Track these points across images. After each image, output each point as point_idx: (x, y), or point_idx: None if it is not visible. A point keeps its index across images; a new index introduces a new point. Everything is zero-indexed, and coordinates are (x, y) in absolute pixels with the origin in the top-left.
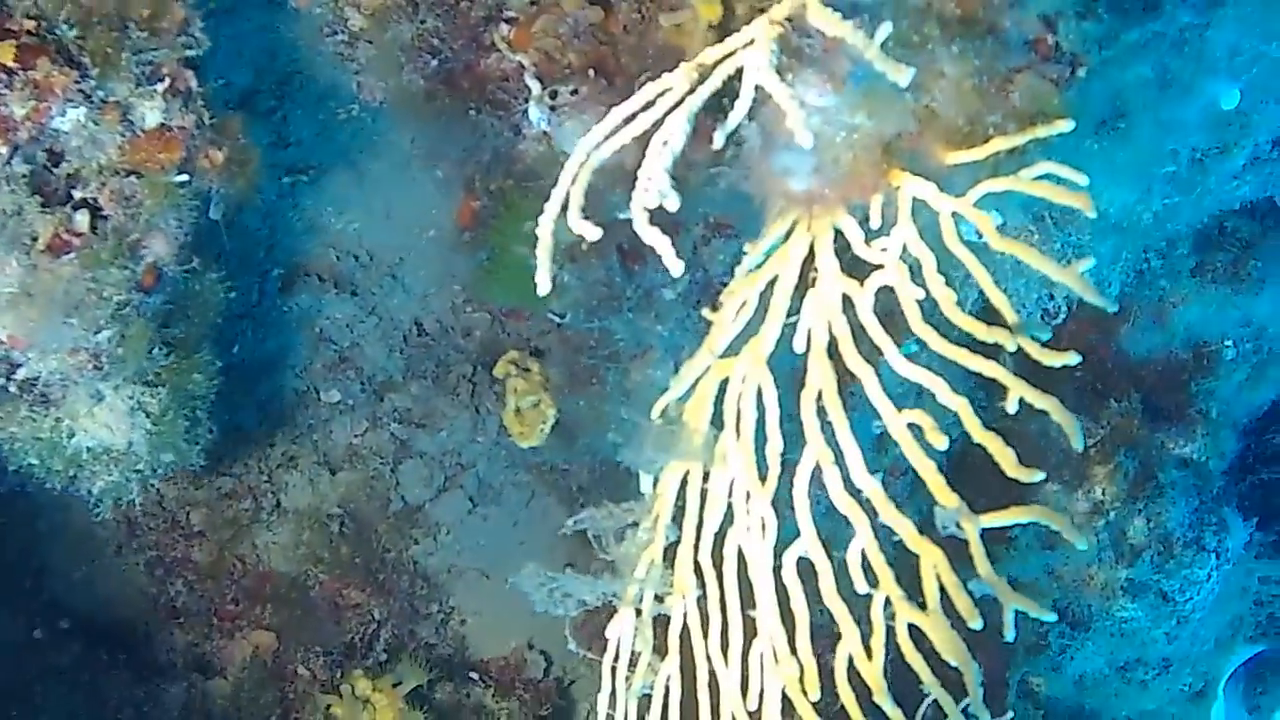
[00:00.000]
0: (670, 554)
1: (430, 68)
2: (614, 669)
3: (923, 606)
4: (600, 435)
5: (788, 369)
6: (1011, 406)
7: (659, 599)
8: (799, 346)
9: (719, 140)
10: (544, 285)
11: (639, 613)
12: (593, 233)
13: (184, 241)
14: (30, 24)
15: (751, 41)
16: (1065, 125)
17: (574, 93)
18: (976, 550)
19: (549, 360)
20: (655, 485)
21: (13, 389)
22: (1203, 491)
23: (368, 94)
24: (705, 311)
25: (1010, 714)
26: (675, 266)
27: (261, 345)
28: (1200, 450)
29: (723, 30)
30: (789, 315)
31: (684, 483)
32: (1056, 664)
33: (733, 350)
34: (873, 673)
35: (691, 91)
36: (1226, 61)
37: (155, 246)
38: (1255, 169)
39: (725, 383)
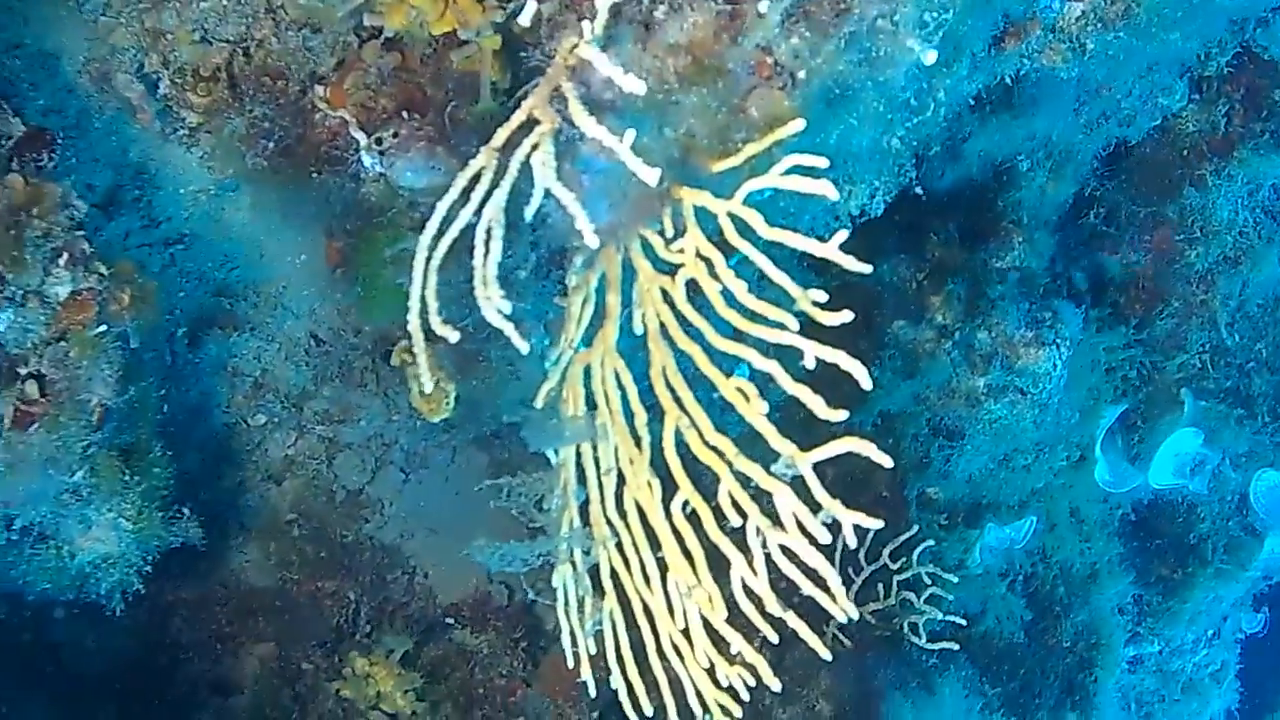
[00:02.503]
0: (584, 512)
1: (268, 149)
2: (566, 614)
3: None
4: (500, 401)
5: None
6: (810, 362)
7: (586, 552)
8: (638, 329)
9: (529, 215)
10: (429, 386)
11: (573, 565)
12: (454, 335)
13: (118, 376)
14: None
15: (534, 133)
16: (798, 125)
17: (395, 135)
18: (814, 483)
19: (437, 348)
20: (558, 456)
21: (14, 536)
22: (1031, 293)
23: (218, 174)
24: (557, 299)
25: (915, 527)
26: (523, 346)
27: (186, 396)
28: (1020, 257)
29: (507, 50)
30: (624, 305)
31: (579, 453)
32: (945, 472)
33: (587, 341)
34: (762, 587)
35: (495, 182)
36: (919, 30)
37: (97, 391)
38: (973, 75)
39: (588, 369)
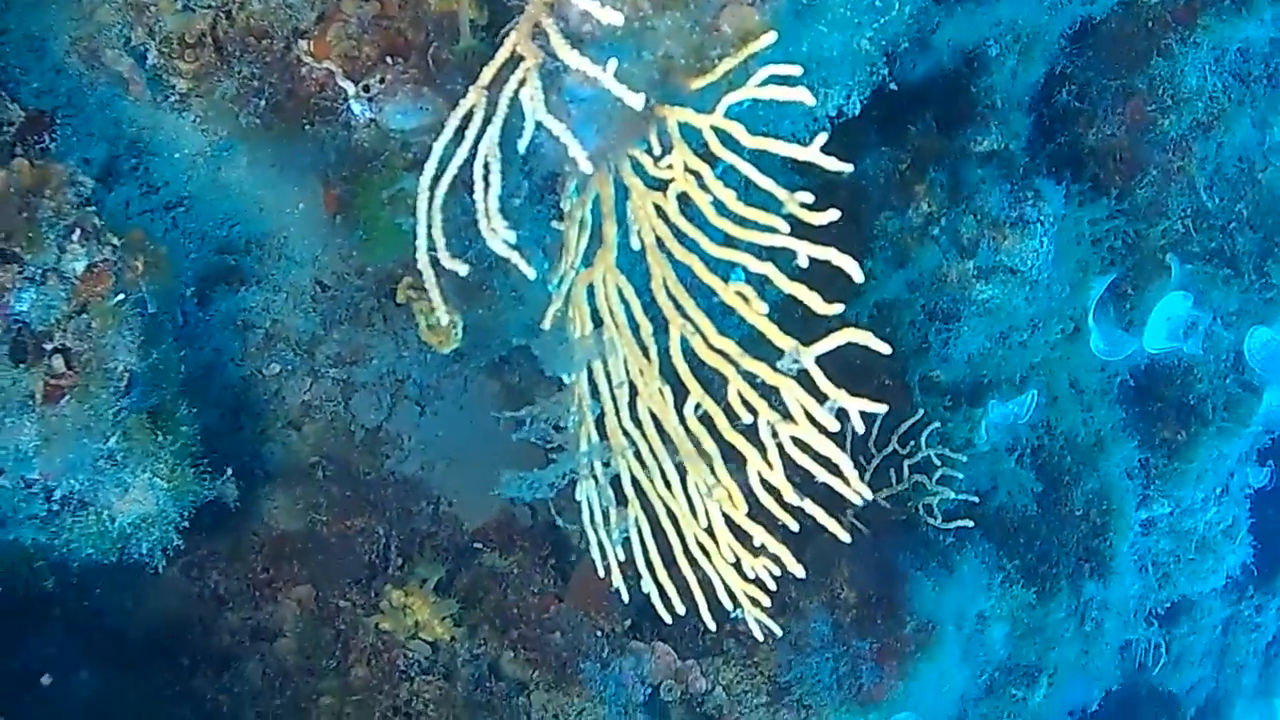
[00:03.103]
0: (601, 426)
1: (259, 107)
2: (593, 526)
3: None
4: (506, 326)
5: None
6: (803, 261)
7: (606, 464)
8: (636, 244)
9: (522, 147)
10: (444, 320)
11: (595, 478)
12: (463, 269)
13: (140, 342)
14: None
15: (520, 68)
16: (770, 38)
17: (381, 81)
18: (818, 375)
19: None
20: (570, 376)
21: (55, 507)
22: (1011, 174)
23: (212, 136)
24: (555, 224)
25: (920, 411)
26: (530, 273)
27: (200, 353)
28: (998, 140)
29: None
30: (619, 224)
31: (590, 370)
32: (944, 355)
33: (587, 261)
34: (779, 479)
35: (488, 119)
36: None
37: (122, 358)
38: None
39: (591, 288)
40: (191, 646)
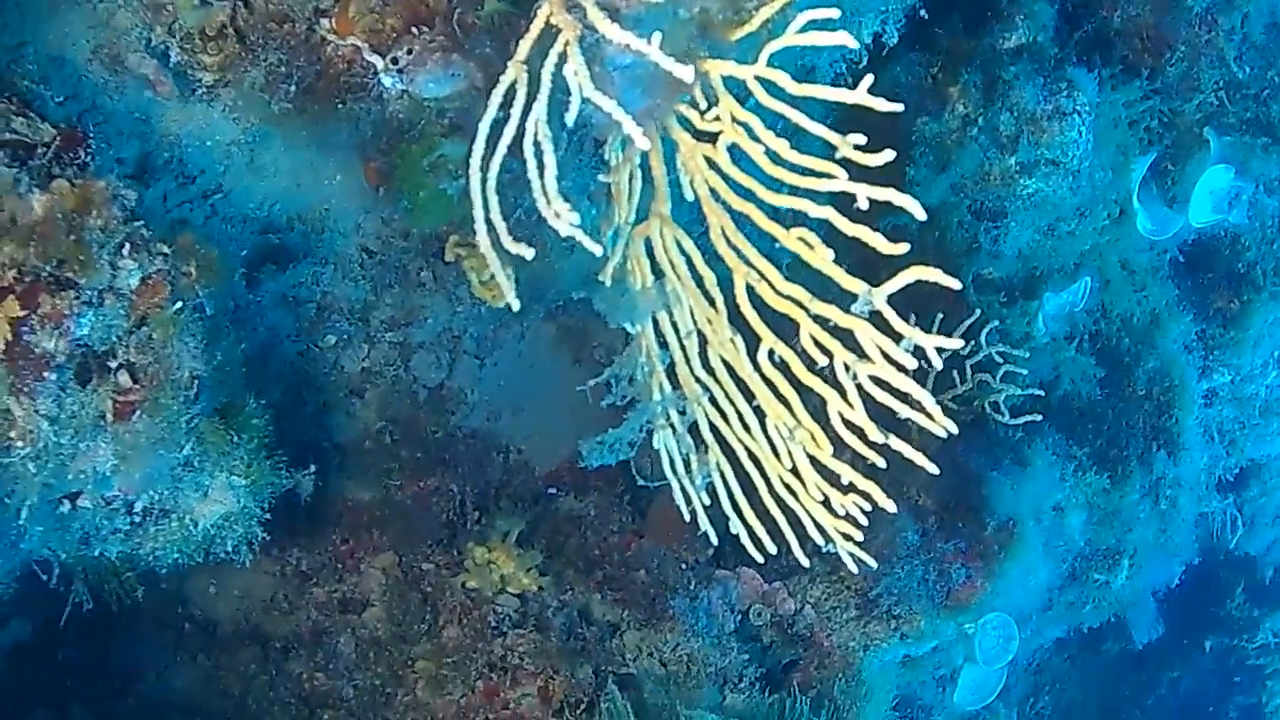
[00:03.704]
0: (672, 375)
1: (290, 92)
2: (674, 472)
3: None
4: (560, 277)
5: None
6: (863, 204)
7: (681, 412)
8: (689, 195)
9: (570, 121)
10: (509, 295)
11: (672, 426)
12: (529, 252)
13: (202, 346)
14: (12, 274)
15: (559, 41)
16: None
17: (409, 52)
18: (890, 315)
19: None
20: (635, 327)
21: (138, 519)
22: (1043, 67)
23: (245, 124)
24: (602, 176)
25: (978, 311)
26: (596, 249)
27: (255, 335)
28: (1025, 34)
29: None
30: (669, 176)
31: (656, 321)
32: (995, 252)
33: (641, 214)
34: (861, 419)
35: (532, 95)
36: None
37: (187, 364)
38: None
39: (648, 241)
40: (281, 627)
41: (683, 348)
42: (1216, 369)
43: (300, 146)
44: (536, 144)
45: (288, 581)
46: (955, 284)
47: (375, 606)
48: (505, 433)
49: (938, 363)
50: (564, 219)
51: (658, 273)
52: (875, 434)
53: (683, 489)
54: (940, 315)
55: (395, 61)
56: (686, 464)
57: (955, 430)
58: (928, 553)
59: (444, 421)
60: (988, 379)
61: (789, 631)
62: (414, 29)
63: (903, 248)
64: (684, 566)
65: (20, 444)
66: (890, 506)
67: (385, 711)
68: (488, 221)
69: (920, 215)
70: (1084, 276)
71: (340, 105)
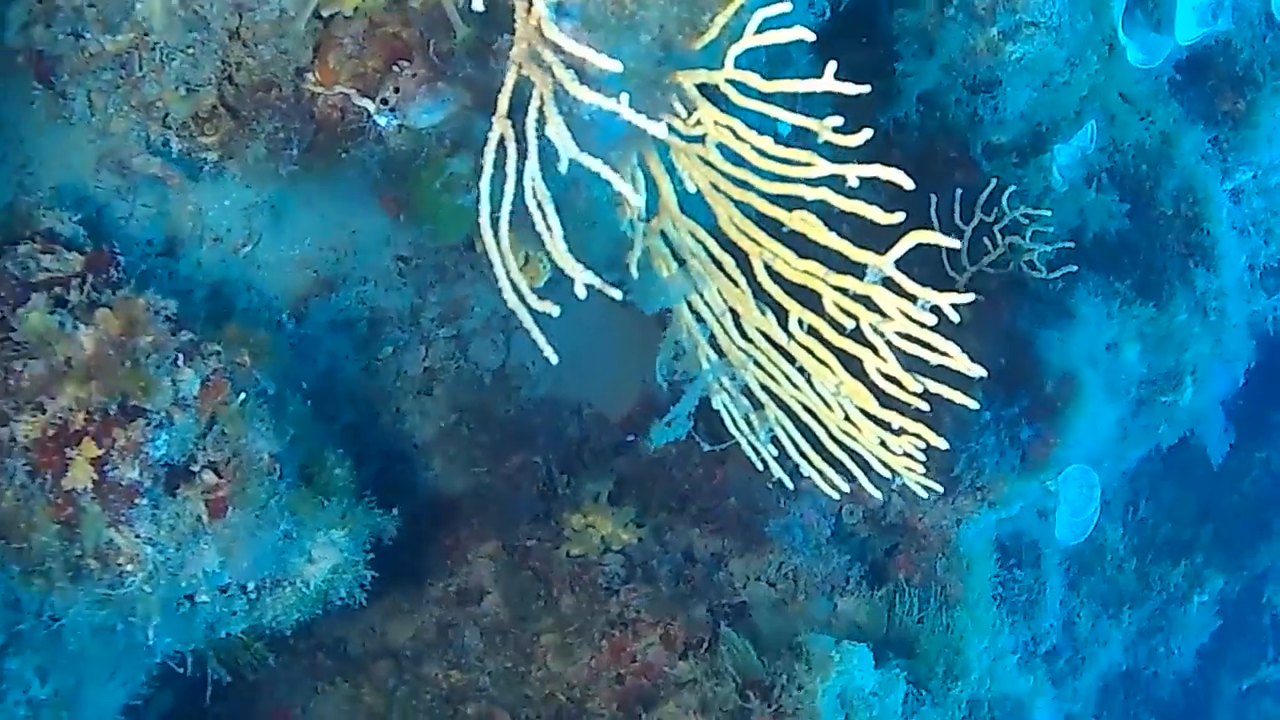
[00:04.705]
0: (715, 345)
1: (293, 154)
2: (738, 429)
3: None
4: (587, 249)
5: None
6: (853, 182)
7: (732, 378)
8: (691, 188)
9: (563, 169)
10: (548, 353)
11: (726, 391)
12: (554, 310)
13: (272, 425)
14: (81, 416)
15: (534, 96)
16: None
17: (396, 90)
18: (902, 279)
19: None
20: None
21: (253, 597)
22: None
23: (259, 188)
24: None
25: (992, 179)
26: (616, 294)
27: (315, 366)
28: None
29: None
30: (670, 174)
31: (689, 303)
32: (998, 120)
33: (650, 209)
34: (893, 369)
35: (521, 154)
36: None
37: (264, 448)
38: None
39: (664, 233)
40: (406, 633)
41: (719, 322)
42: (1236, 169)
43: (317, 197)
44: (540, 206)
45: (403, 585)
46: (955, 244)
47: (491, 593)
48: (573, 393)
49: (955, 317)
50: (581, 277)
51: (680, 260)
52: (912, 384)
53: (749, 444)
54: (959, 190)
55: (385, 101)
56: (748, 421)
57: (984, 373)
58: (997, 423)
59: (513, 398)
60: (1017, 240)
61: (882, 523)
62: (395, 65)
63: (898, 217)
64: (769, 485)
65: (132, 570)
66: (942, 444)
67: (523, 690)
68: (512, 282)
69: (908, 185)
70: (1089, 120)
71: (344, 154)
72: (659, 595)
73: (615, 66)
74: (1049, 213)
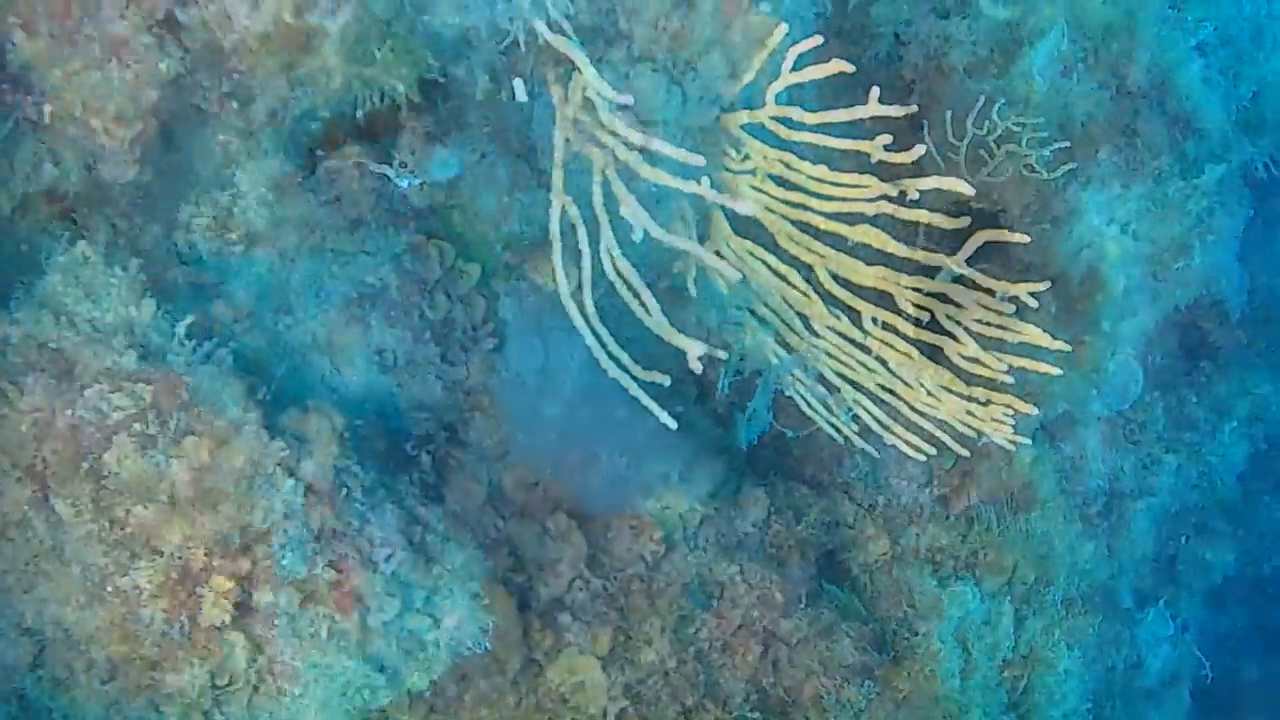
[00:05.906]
0: (782, 342)
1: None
2: (816, 413)
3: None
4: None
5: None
6: (914, 195)
7: (804, 368)
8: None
9: (637, 238)
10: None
11: (799, 381)
12: (665, 380)
13: (370, 507)
14: (201, 554)
15: (596, 171)
16: (782, 29)
17: (413, 153)
18: (977, 276)
19: None
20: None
21: (391, 672)
22: None
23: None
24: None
25: (980, 98)
26: (696, 367)
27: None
28: None
29: None
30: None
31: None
32: (971, 41)
33: (702, 232)
34: (977, 352)
35: (591, 233)
36: None
37: (375, 534)
38: None
39: (719, 252)
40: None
41: (787, 324)
42: (1199, 27)
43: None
44: (625, 280)
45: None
46: (1023, 238)
47: (608, 556)
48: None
49: (1033, 304)
50: (694, 350)
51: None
52: (994, 363)
53: (831, 424)
54: (949, 112)
55: (403, 165)
56: (826, 406)
57: (1067, 348)
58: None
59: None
60: (1014, 147)
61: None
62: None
63: (963, 221)
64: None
65: (289, 687)
66: (1032, 411)
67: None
68: (613, 358)
69: (969, 192)
70: (1056, 24)
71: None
72: (748, 560)
73: (698, 160)
74: (1040, 120)
